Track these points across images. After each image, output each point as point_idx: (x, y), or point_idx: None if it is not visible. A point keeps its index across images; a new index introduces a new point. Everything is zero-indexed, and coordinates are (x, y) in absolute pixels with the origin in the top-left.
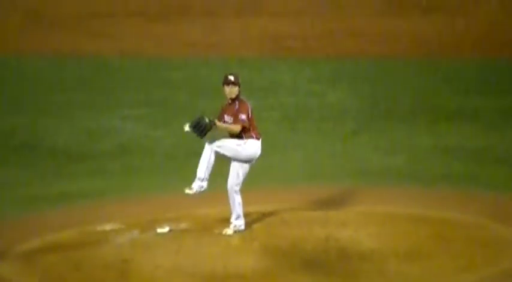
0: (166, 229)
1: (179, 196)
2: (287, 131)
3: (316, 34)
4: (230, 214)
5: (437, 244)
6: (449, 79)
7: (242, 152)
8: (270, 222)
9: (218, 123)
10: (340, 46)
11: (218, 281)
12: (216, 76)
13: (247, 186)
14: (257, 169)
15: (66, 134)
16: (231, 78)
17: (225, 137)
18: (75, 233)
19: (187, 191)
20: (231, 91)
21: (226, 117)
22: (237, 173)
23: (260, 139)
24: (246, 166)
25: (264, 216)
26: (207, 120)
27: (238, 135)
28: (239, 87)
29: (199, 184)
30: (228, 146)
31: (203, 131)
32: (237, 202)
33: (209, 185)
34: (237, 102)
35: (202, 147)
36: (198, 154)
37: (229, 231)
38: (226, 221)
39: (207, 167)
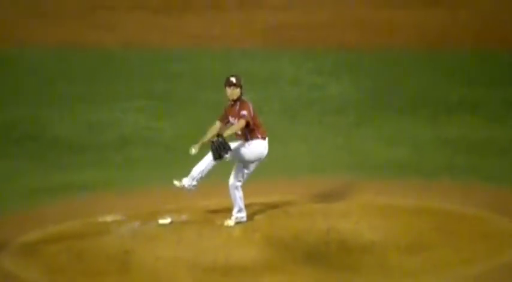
0: (167, 220)
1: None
2: (289, 123)
3: (318, 26)
4: (232, 206)
5: (439, 236)
6: (451, 71)
7: (248, 152)
8: (271, 214)
9: (226, 134)
10: (342, 38)
11: (219, 273)
12: (219, 68)
13: (249, 177)
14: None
15: (68, 126)
16: (233, 80)
17: (230, 140)
18: (77, 224)
19: (175, 182)
20: (233, 93)
21: (231, 119)
22: (241, 171)
23: (266, 139)
24: (252, 165)
25: (265, 207)
26: (220, 139)
27: (244, 137)
28: (241, 88)
29: (190, 182)
30: (234, 150)
31: (224, 150)
32: (238, 197)
33: (199, 185)
34: (238, 103)
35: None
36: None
37: (230, 222)
38: (228, 213)
39: (204, 169)
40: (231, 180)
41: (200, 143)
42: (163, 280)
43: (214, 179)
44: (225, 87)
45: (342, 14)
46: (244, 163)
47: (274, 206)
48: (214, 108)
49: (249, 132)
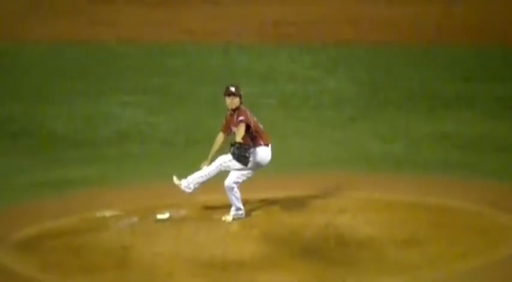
0: (166, 215)
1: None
2: (285, 118)
3: (315, 21)
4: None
5: (436, 231)
6: (447, 66)
7: (252, 160)
8: (269, 209)
9: (237, 140)
10: (339, 33)
11: (217, 268)
12: (215, 63)
13: None
14: None
15: (64, 121)
16: (232, 89)
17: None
18: (75, 219)
19: (175, 179)
20: (232, 102)
21: (233, 129)
22: (240, 175)
23: (269, 145)
24: (254, 171)
25: (263, 203)
26: (237, 146)
27: (247, 145)
28: (240, 98)
29: (187, 185)
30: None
31: (247, 152)
32: (234, 197)
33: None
34: (237, 112)
35: (201, 134)
36: (196, 140)
37: (228, 218)
38: (226, 208)
39: (204, 177)
40: (228, 182)
41: (210, 158)
42: (161, 275)
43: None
44: (225, 97)
45: (338, 9)
46: (247, 169)
47: (271, 202)
48: (210, 103)
49: (251, 140)
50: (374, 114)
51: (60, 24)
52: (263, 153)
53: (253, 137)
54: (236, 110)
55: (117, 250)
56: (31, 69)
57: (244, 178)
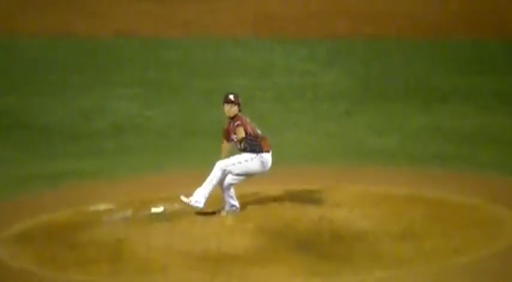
0: (160, 209)
1: (173, 176)
2: (281, 111)
3: (310, 14)
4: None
5: (431, 224)
6: (443, 60)
7: (252, 166)
8: (264, 203)
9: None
10: (334, 26)
11: (211, 261)
12: (210, 56)
13: None
14: None
15: (59, 114)
16: (231, 97)
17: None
18: (69, 213)
19: (183, 198)
20: (230, 110)
21: (233, 136)
22: (238, 178)
23: (270, 152)
24: (252, 177)
25: (258, 196)
26: (243, 143)
27: (248, 150)
28: (238, 106)
29: (197, 200)
30: (238, 165)
31: (257, 142)
32: (229, 196)
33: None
34: (234, 119)
35: (196, 127)
36: (192, 133)
37: (223, 212)
38: (221, 201)
39: (211, 185)
40: (225, 182)
41: (223, 154)
42: (155, 268)
43: (207, 168)
44: (223, 104)
45: (334, 2)
46: (246, 175)
47: (266, 195)
48: (205, 96)
49: (252, 145)
50: (369, 108)
51: (56, 16)
52: (263, 159)
53: (253, 144)
54: (234, 117)
55: (111, 243)
56: (26, 61)
57: (241, 181)
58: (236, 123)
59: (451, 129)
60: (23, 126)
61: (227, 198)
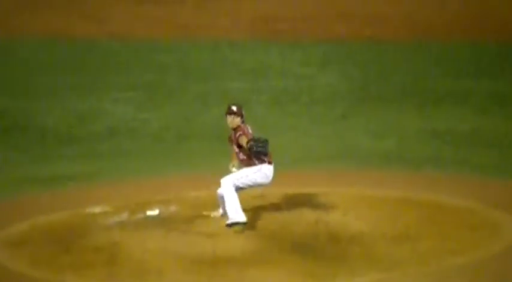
0: (156, 212)
1: (168, 179)
2: (276, 114)
3: (306, 17)
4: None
5: (427, 227)
6: (439, 62)
7: (254, 178)
8: (259, 205)
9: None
10: (330, 29)
11: (207, 264)
12: (206, 59)
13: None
14: None
15: (55, 116)
16: (233, 108)
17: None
18: (65, 215)
19: (228, 223)
20: (233, 121)
21: (234, 147)
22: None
23: (272, 164)
24: (254, 187)
25: (253, 199)
26: (253, 143)
27: (251, 162)
28: (241, 117)
29: (235, 216)
30: (245, 178)
31: (264, 144)
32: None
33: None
34: (236, 131)
35: (192, 130)
36: (187, 136)
37: (217, 214)
38: (216, 204)
39: (235, 200)
40: (221, 190)
41: (234, 161)
42: (151, 271)
43: (203, 171)
44: (226, 115)
45: (330, 5)
46: (248, 185)
47: (262, 197)
48: (201, 99)
49: (256, 158)
50: (365, 110)
51: (52, 19)
52: (266, 171)
53: (256, 155)
54: (236, 128)
55: (107, 246)
56: (23, 64)
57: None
58: (238, 134)
59: (447, 132)
60: (19, 128)
61: (223, 204)
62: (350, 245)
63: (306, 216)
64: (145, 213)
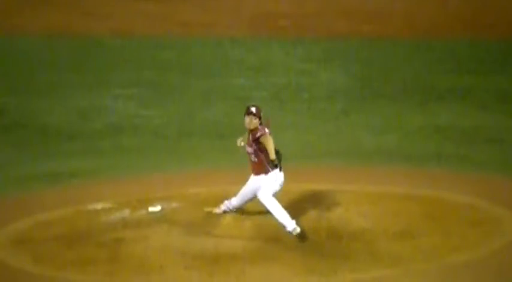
0: (158, 208)
1: (170, 175)
2: (278, 110)
3: (308, 14)
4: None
5: (428, 223)
6: (440, 59)
7: (268, 185)
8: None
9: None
10: (332, 26)
11: (209, 260)
12: (208, 56)
13: (239, 166)
14: None
15: (57, 113)
16: (252, 109)
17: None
18: (67, 212)
19: (295, 233)
20: (251, 122)
21: (248, 149)
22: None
23: (282, 169)
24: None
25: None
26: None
27: (263, 167)
28: (259, 119)
29: (291, 224)
30: (270, 188)
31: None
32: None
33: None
34: (254, 132)
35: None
36: (189, 133)
37: (218, 210)
38: (218, 200)
39: (282, 209)
40: (233, 204)
41: (244, 137)
42: (153, 268)
43: (205, 168)
44: (244, 116)
45: (331, 2)
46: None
47: None
48: (203, 96)
49: (268, 164)
50: (367, 107)
51: (53, 16)
52: (279, 177)
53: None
54: (253, 130)
55: (109, 243)
56: (23, 61)
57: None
58: (259, 134)
59: (449, 129)
60: (21, 125)
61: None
62: (352, 242)
63: (308, 213)
64: (147, 209)
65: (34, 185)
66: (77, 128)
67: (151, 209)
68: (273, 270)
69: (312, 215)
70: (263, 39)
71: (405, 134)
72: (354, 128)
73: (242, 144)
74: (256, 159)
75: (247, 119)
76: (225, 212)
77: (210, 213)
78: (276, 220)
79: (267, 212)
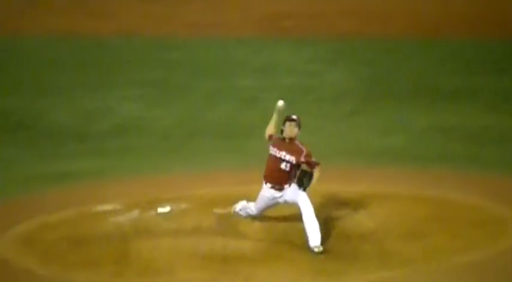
0: (167, 209)
1: (177, 176)
2: (285, 111)
3: (314, 14)
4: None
5: (436, 224)
6: (447, 59)
7: (292, 194)
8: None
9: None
10: (338, 26)
11: (217, 261)
12: (215, 56)
13: (246, 167)
14: (256, 150)
15: (63, 114)
16: (294, 117)
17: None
18: (74, 213)
19: (316, 250)
20: (292, 130)
21: (287, 155)
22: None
23: None
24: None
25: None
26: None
27: (289, 178)
28: (299, 129)
29: (238, 209)
30: (295, 193)
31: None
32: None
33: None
34: (296, 143)
35: (200, 128)
36: (195, 134)
37: (228, 211)
38: (226, 201)
39: (315, 219)
40: (251, 212)
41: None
42: (161, 269)
43: (211, 168)
44: (284, 123)
45: (338, 2)
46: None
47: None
48: (209, 97)
49: (293, 173)
50: (374, 108)
51: (59, 16)
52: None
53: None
54: (291, 139)
55: (117, 244)
56: (29, 62)
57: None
58: (316, 161)
59: (456, 129)
60: (27, 126)
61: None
62: (360, 242)
63: (316, 213)
64: (156, 210)
65: (40, 186)
66: (83, 128)
67: (160, 209)
68: (281, 271)
69: (320, 216)
70: (269, 40)
71: (412, 135)
72: (360, 128)
73: (283, 107)
74: (287, 169)
75: (290, 127)
76: (234, 213)
77: (219, 214)
78: (304, 228)
79: (275, 213)
